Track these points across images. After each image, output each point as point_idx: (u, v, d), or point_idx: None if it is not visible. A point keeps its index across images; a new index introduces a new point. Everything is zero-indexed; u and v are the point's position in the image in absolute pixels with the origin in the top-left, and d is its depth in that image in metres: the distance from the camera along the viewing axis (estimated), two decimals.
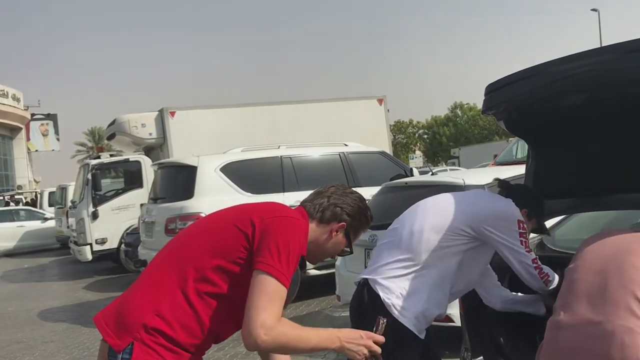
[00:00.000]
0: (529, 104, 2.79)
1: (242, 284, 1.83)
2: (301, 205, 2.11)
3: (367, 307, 2.48)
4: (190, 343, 1.83)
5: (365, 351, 1.88)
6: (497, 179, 3.04)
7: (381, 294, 2.43)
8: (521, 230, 2.57)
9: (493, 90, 2.84)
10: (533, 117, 2.91)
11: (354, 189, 2.23)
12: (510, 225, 2.56)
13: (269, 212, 1.92)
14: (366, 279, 2.53)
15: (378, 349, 1.89)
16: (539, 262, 2.62)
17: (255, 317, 1.73)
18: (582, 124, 2.77)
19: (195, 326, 1.83)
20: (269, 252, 1.81)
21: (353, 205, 2.09)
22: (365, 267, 5.33)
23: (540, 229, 2.91)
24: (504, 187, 2.83)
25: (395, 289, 2.43)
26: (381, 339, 1.91)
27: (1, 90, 44.95)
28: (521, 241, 2.57)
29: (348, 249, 2.11)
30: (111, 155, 13.11)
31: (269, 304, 1.75)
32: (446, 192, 4.88)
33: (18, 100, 46.75)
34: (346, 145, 8.74)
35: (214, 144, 10.32)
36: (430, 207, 2.69)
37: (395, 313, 2.39)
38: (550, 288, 2.63)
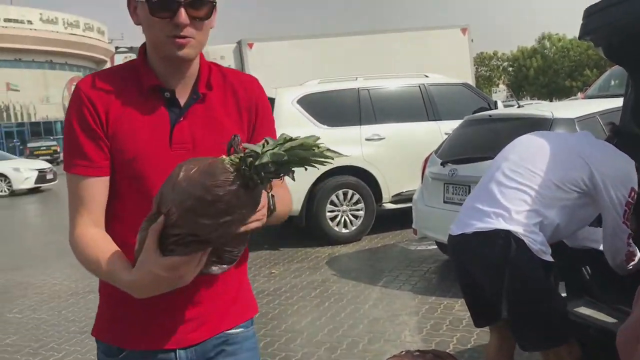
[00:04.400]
0: (633, 27, 2.55)
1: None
2: None
3: (513, 257, 2.37)
4: None
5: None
6: (612, 124, 2.90)
7: (529, 243, 2.36)
8: (630, 200, 2.43)
9: (592, 14, 2.63)
10: (636, 42, 2.66)
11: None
12: (624, 191, 2.42)
13: None
14: (508, 231, 2.37)
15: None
16: (631, 241, 2.50)
17: None
18: None
19: None
20: None
21: None
22: (444, 201, 5.29)
23: None
24: (621, 137, 2.67)
25: (536, 237, 2.37)
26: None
27: (87, 24, 46.53)
28: (625, 211, 2.43)
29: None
30: None
31: (69, 210, 1.45)
32: (533, 126, 4.70)
33: (102, 33, 48.32)
34: (426, 76, 8.45)
35: (291, 76, 10.23)
36: (547, 150, 2.51)
37: (541, 255, 2.38)
38: (628, 268, 2.53)
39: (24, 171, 17.34)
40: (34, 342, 4.69)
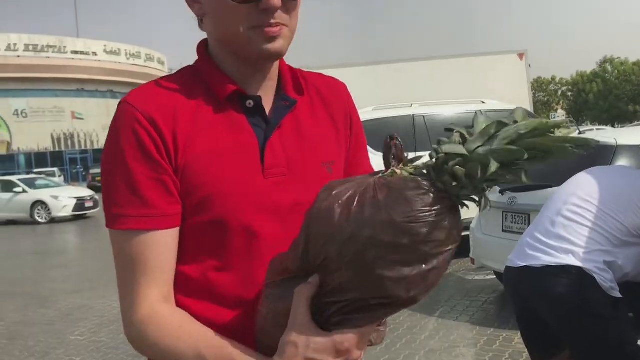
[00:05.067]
0: None
1: None
2: None
3: (585, 294, 2.31)
4: None
5: None
6: None
7: (600, 281, 2.29)
8: None
9: None
10: None
11: None
12: None
13: None
14: (580, 267, 2.32)
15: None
16: None
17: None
18: None
19: None
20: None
21: None
22: (503, 230, 5.16)
23: None
24: None
25: (606, 275, 2.31)
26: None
27: (148, 55, 48.29)
28: None
29: None
30: None
31: (119, 282, 1.00)
32: (596, 153, 4.54)
33: (163, 63, 50.02)
34: (483, 102, 8.35)
35: None
36: (617, 190, 2.45)
37: (611, 292, 2.32)
38: None
39: (62, 199, 17.68)
40: None
